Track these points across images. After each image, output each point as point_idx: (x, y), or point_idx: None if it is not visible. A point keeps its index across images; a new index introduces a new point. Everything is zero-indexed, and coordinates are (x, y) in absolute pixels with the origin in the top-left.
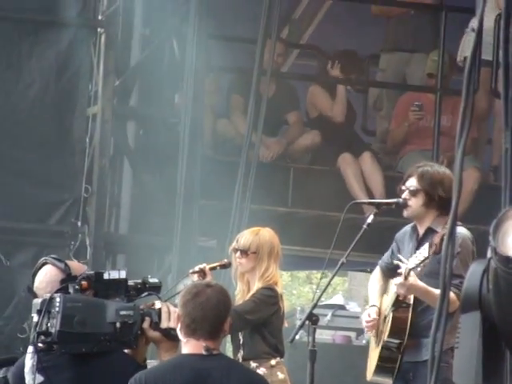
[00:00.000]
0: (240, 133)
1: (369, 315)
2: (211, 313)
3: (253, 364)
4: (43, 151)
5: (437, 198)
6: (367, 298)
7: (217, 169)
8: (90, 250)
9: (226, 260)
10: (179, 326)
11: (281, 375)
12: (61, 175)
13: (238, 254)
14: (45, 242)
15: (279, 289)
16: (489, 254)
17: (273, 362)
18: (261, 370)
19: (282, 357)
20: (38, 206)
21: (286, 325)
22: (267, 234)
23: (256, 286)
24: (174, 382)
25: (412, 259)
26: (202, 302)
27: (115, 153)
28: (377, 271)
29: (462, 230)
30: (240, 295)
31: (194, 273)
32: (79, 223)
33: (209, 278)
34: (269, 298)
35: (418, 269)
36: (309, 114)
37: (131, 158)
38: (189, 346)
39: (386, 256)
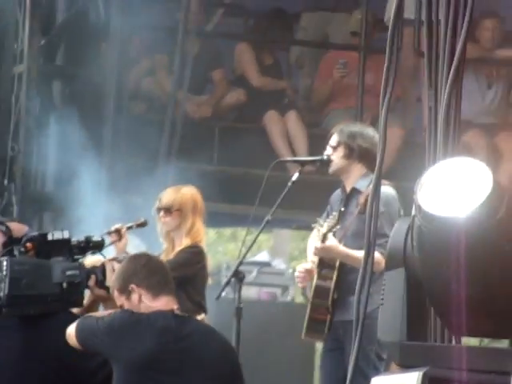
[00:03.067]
0: (165, 91)
1: (302, 267)
2: (167, 270)
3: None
4: None
5: (357, 147)
6: (292, 255)
7: (143, 127)
8: (16, 208)
9: (142, 219)
10: (140, 293)
11: None
12: None
13: (162, 212)
14: None
15: (204, 246)
16: (413, 211)
17: (198, 318)
18: None
19: (206, 313)
20: None
21: (210, 282)
22: (189, 191)
23: (184, 242)
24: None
25: (326, 223)
26: (160, 261)
27: (41, 111)
28: (314, 232)
29: (386, 189)
30: (165, 254)
31: (109, 233)
32: (6, 182)
33: (124, 239)
34: (193, 256)
35: (332, 232)
36: (235, 72)
37: (57, 117)
38: (161, 303)
39: (323, 218)
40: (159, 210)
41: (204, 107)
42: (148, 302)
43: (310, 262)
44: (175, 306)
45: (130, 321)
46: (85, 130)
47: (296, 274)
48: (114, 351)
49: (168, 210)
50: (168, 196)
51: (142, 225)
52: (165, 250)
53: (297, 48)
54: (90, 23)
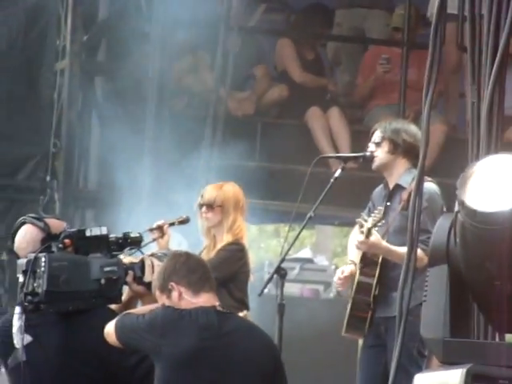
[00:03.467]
0: (208, 88)
1: (342, 272)
2: (208, 268)
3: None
4: (11, 106)
5: (401, 142)
6: (335, 252)
7: (185, 124)
8: (58, 204)
9: (184, 216)
10: (180, 290)
11: None
12: (29, 130)
13: (204, 208)
14: (14, 198)
15: (245, 243)
16: (456, 207)
17: (240, 315)
18: None
19: (248, 310)
20: (6, 162)
21: (252, 279)
22: (231, 187)
23: (225, 239)
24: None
25: (371, 218)
26: (199, 259)
27: (83, 108)
28: (356, 229)
29: (429, 185)
30: (206, 251)
31: (151, 230)
32: (48, 178)
33: (167, 236)
34: (235, 253)
35: (377, 227)
36: (277, 68)
37: (99, 113)
38: (203, 300)
39: (364, 214)
40: (201, 205)
41: (246, 104)
42: (189, 299)
43: (350, 262)
44: (217, 303)
45: (172, 317)
46: (127, 126)
47: (335, 278)
48: (156, 348)
49: (210, 206)
50: (210, 192)
51: (184, 221)
52: (206, 247)
53: (333, 44)
54: (132, 19)
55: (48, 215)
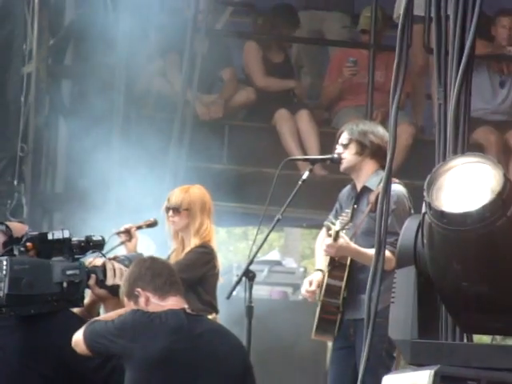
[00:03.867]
0: (175, 90)
1: (310, 283)
2: (174, 271)
3: None
4: None
5: (369, 144)
6: (304, 254)
7: (153, 126)
8: (26, 208)
9: (152, 219)
10: (147, 296)
11: None
12: None
13: (171, 212)
14: None
15: (214, 245)
16: (423, 209)
17: (210, 317)
18: None
19: (217, 313)
20: None
21: (221, 281)
22: (197, 190)
23: (192, 242)
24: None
25: (339, 220)
26: (164, 262)
27: (50, 112)
28: (323, 232)
29: (397, 188)
30: (175, 254)
31: (119, 233)
32: (15, 182)
33: (134, 239)
34: (202, 256)
35: (344, 230)
36: (245, 70)
37: (67, 117)
38: (170, 304)
39: (331, 216)
40: (168, 209)
41: (214, 107)
42: (157, 303)
43: (318, 271)
44: (185, 305)
45: (142, 320)
46: (94, 129)
47: (302, 290)
48: (127, 351)
49: (176, 210)
50: (176, 196)
51: (152, 225)
52: (175, 251)
53: (295, 47)
54: (99, 22)
55: (16, 219)
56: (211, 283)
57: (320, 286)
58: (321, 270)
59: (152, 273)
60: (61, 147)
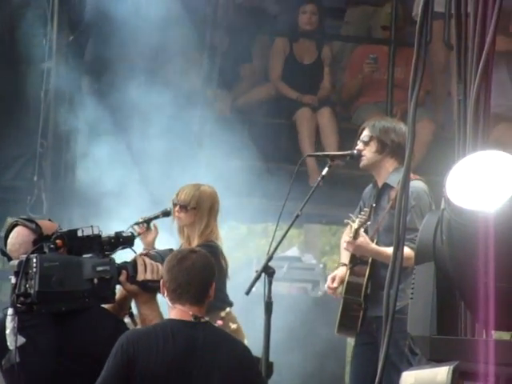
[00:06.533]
0: (195, 88)
1: (332, 280)
2: (197, 278)
3: (206, 318)
4: None
5: (389, 142)
6: (323, 250)
7: (173, 123)
8: (46, 204)
9: (168, 208)
10: (165, 291)
11: (233, 325)
12: (16, 130)
13: (178, 208)
14: (1, 198)
15: (219, 242)
16: (442, 205)
17: (222, 313)
18: (216, 324)
19: (230, 306)
20: None
21: (240, 277)
22: (208, 189)
23: (196, 241)
24: (168, 348)
25: (358, 219)
26: (188, 267)
27: (70, 107)
28: (348, 228)
29: (417, 184)
30: None
31: (137, 224)
32: (35, 178)
33: (153, 233)
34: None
35: (363, 228)
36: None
37: (86, 112)
38: (175, 312)
39: (355, 213)
40: (175, 204)
41: (233, 103)
42: (168, 303)
43: (341, 264)
44: (189, 317)
45: (133, 338)
46: (114, 125)
47: (325, 287)
48: (130, 368)
49: (184, 207)
50: (186, 193)
51: (168, 214)
52: (181, 246)
53: (338, 42)
54: (118, 18)
55: (36, 215)
56: (219, 279)
57: (343, 282)
58: (345, 265)
59: (170, 275)
60: (81, 143)
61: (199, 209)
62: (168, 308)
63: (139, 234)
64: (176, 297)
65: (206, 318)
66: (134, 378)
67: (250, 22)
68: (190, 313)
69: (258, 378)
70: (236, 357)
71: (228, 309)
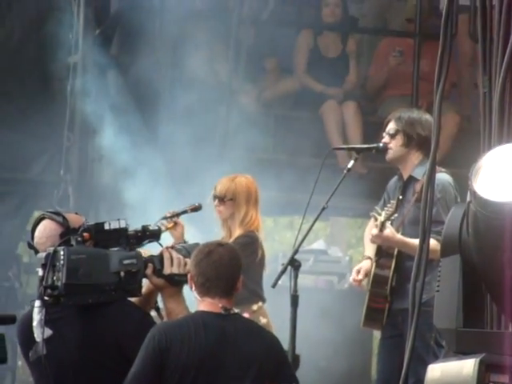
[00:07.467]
0: (221, 80)
1: (358, 272)
2: (225, 271)
3: (235, 310)
4: (25, 101)
5: (416, 136)
6: (349, 243)
7: (199, 116)
8: (72, 198)
9: (196, 203)
10: (193, 285)
11: (263, 320)
12: (43, 125)
13: (216, 201)
14: (28, 192)
15: (260, 234)
16: (468, 197)
17: (254, 307)
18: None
19: (263, 302)
20: (20, 156)
21: (266, 271)
22: (244, 180)
23: (237, 232)
24: (200, 339)
25: (384, 211)
26: (216, 261)
27: (96, 102)
28: (372, 221)
29: (442, 176)
30: None
31: (165, 218)
32: (62, 172)
33: (180, 227)
34: (245, 247)
35: (390, 220)
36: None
37: (113, 107)
38: (205, 304)
39: (379, 205)
40: (214, 197)
41: (259, 96)
42: (196, 296)
43: (366, 257)
44: (219, 309)
45: (165, 331)
46: (140, 119)
47: (351, 279)
48: (160, 363)
49: (221, 199)
50: (222, 185)
51: (196, 209)
52: (223, 239)
53: (356, 35)
54: (145, 12)
55: (63, 209)
56: (256, 271)
57: (368, 274)
58: (370, 258)
59: (198, 269)
60: (107, 137)
61: (236, 200)
62: (196, 301)
63: (167, 229)
64: (205, 290)
65: (236, 310)
66: (166, 369)
67: (275, 15)
68: (220, 305)
69: (288, 369)
70: (267, 347)
71: (260, 303)
